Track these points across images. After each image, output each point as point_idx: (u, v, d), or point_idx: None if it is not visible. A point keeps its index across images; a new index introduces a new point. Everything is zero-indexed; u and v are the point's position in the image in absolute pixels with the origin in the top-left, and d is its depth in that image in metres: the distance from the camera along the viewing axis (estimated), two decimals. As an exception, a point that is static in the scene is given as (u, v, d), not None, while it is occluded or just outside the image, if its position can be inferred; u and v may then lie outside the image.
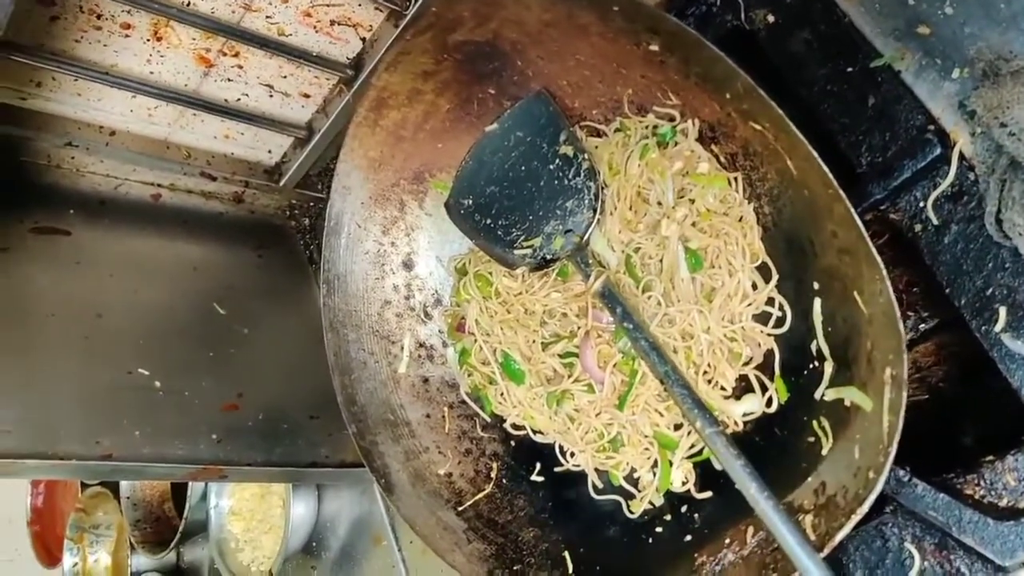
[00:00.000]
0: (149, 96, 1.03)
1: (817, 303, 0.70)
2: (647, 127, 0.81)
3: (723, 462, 0.66)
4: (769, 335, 0.75)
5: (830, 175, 0.62)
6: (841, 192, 0.61)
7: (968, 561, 0.65)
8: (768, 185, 0.74)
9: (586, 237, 0.81)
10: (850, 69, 0.74)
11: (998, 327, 0.65)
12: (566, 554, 0.80)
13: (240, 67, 1.07)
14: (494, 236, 0.88)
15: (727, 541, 0.71)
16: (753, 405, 0.76)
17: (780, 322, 0.74)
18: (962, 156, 0.67)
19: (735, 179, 0.76)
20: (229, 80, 1.08)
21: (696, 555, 0.72)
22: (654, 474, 0.81)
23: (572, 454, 0.86)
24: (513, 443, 0.91)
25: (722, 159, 0.77)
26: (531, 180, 0.86)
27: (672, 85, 0.77)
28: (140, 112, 1.07)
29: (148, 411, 0.95)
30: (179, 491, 1.40)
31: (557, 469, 0.87)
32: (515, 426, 0.90)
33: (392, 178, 0.92)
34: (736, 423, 0.76)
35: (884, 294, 0.60)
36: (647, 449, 0.81)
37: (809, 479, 0.67)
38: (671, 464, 0.79)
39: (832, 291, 0.68)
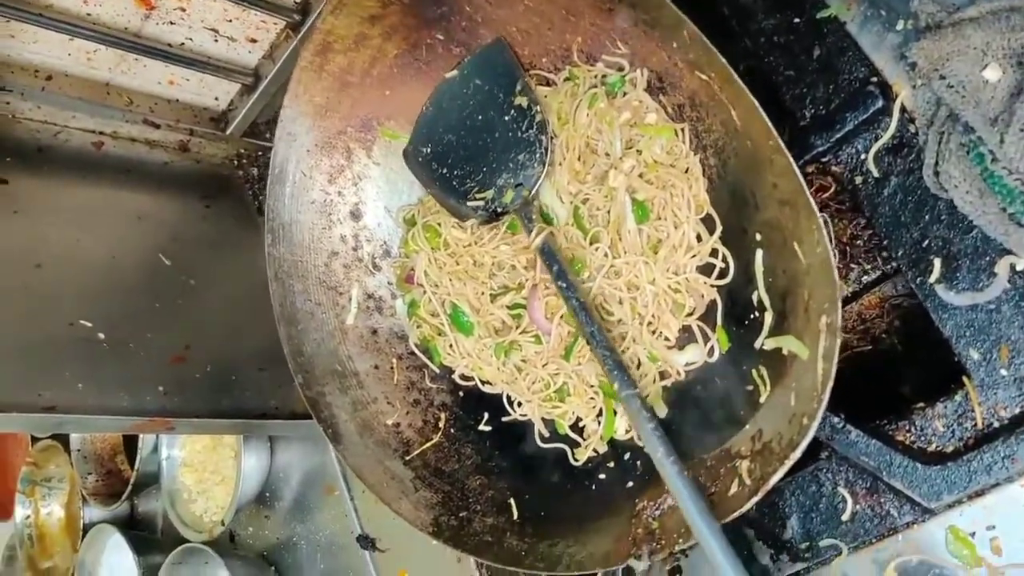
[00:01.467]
0: (87, 39, 0.99)
1: (759, 254, 0.71)
2: (596, 76, 0.80)
3: (634, 424, 0.67)
4: (712, 286, 0.76)
5: (771, 127, 0.62)
6: (781, 143, 0.61)
7: (897, 504, 0.68)
8: (713, 136, 0.74)
9: (533, 191, 0.81)
10: (797, 20, 0.74)
11: (932, 278, 0.67)
12: (511, 501, 0.81)
13: (183, 9, 1.03)
14: (449, 187, 0.87)
15: (666, 487, 0.72)
16: (695, 355, 0.77)
17: (723, 273, 0.75)
18: (903, 108, 0.68)
19: (682, 130, 0.76)
20: (172, 23, 1.05)
21: (637, 500, 0.74)
22: (599, 422, 0.82)
23: (519, 404, 0.87)
24: (461, 394, 0.91)
25: (669, 110, 0.77)
26: (487, 130, 0.85)
27: (621, 34, 0.76)
28: (78, 56, 1.03)
29: (92, 363, 0.94)
30: (130, 444, 1.39)
31: (504, 419, 0.88)
32: (464, 377, 0.91)
33: (339, 125, 0.90)
34: (679, 372, 0.77)
35: (821, 244, 0.60)
36: (592, 399, 0.82)
37: (747, 426, 0.68)
38: (615, 413, 0.81)
39: (773, 243, 0.69)
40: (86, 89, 1.06)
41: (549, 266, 0.77)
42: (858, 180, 0.71)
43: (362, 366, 0.91)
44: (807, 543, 0.71)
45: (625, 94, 0.78)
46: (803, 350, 0.64)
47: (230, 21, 1.06)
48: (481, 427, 0.88)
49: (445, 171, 0.88)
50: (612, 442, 0.81)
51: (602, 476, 0.80)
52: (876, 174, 0.70)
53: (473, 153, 0.86)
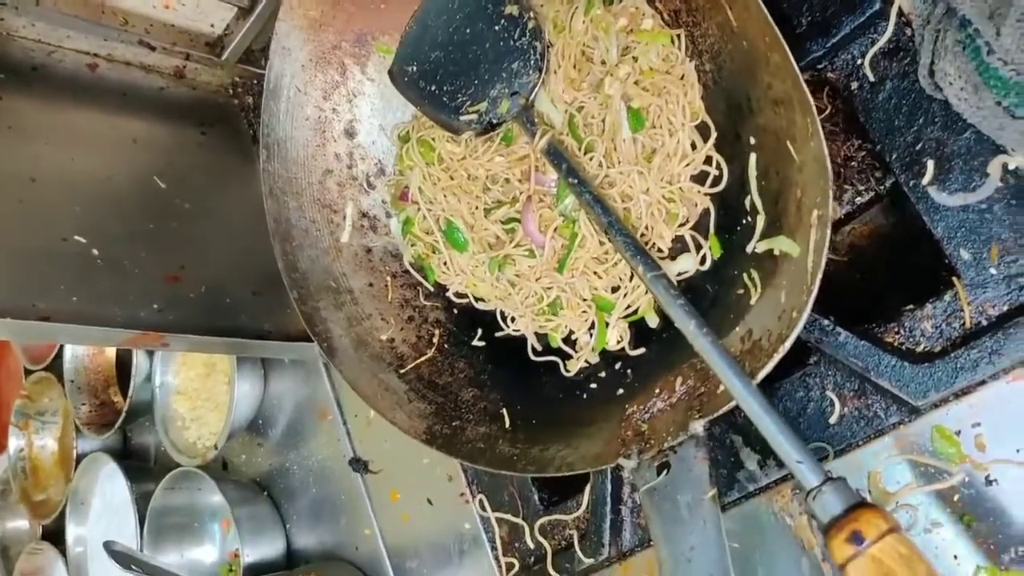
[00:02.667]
0: (81, -47, 0.98)
1: (752, 158, 0.71)
2: None
3: (664, 304, 0.67)
4: (706, 195, 0.76)
5: (770, 20, 0.61)
6: (779, 35, 0.61)
7: (884, 404, 0.68)
8: (709, 41, 0.73)
9: (532, 97, 0.81)
10: (795, -76, 0.74)
11: (925, 180, 0.67)
12: (504, 411, 0.81)
13: (179, -72, 1.02)
14: (440, 103, 0.86)
15: (656, 391, 0.73)
16: (688, 264, 0.77)
17: (717, 181, 0.75)
18: (900, 12, 0.68)
19: (678, 36, 0.75)
20: (167, -58, 1.04)
21: (627, 406, 0.74)
22: (590, 335, 0.82)
23: (512, 319, 0.88)
24: (455, 311, 0.92)
25: (665, 16, 0.77)
26: (476, 43, 0.85)
27: None
28: (72, -28, 1.02)
29: (86, 277, 0.93)
30: (123, 374, 1.39)
31: (498, 334, 0.88)
32: (458, 294, 0.91)
33: (333, 39, 0.90)
34: (671, 282, 0.78)
35: (815, 137, 0.60)
36: (584, 312, 0.82)
37: (737, 328, 0.69)
38: (607, 325, 0.81)
39: (766, 145, 0.69)
40: (80, 6, 1.05)
41: (557, 165, 0.77)
42: (854, 86, 0.71)
43: (357, 283, 0.91)
44: (794, 447, 0.72)
45: (621, 1, 0.78)
46: (794, 248, 0.64)
47: (226, -58, 1.05)
48: (475, 343, 0.89)
49: (434, 88, 0.87)
50: (603, 353, 0.82)
51: (593, 386, 0.81)
52: (872, 78, 0.70)
53: (463, 67, 0.86)
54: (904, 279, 0.87)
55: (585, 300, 0.82)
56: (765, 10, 0.62)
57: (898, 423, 0.67)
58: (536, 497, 0.89)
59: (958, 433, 0.65)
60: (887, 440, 0.68)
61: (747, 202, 0.72)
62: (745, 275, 0.70)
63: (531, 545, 0.89)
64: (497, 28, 0.83)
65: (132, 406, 1.24)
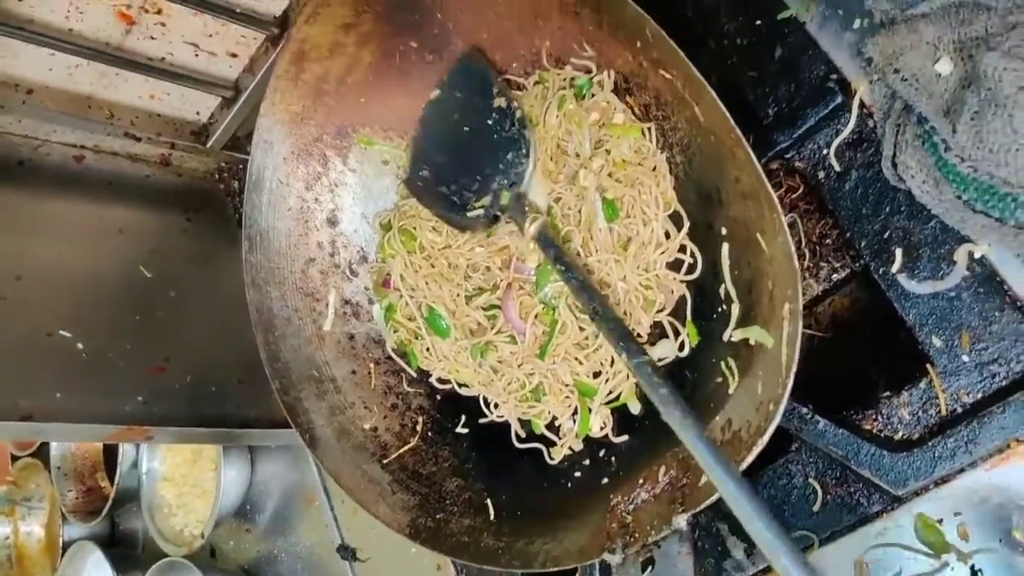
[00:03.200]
0: (69, 53, 1.00)
1: (725, 248, 0.72)
2: (565, 79, 0.82)
3: (648, 390, 0.65)
4: (681, 282, 0.77)
5: (730, 119, 0.63)
6: (741, 136, 0.63)
7: (866, 492, 0.68)
8: (679, 135, 0.75)
9: (524, 184, 0.81)
10: (759, 22, 0.76)
11: (895, 268, 0.68)
12: (488, 501, 0.81)
13: (163, 24, 1.05)
14: (450, 203, 0.86)
15: (640, 481, 0.73)
16: (667, 350, 0.78)
17: (691, 268, 0.76)
18: (862, 104, 0.70)
19: (649, 129, 0.77)
20: (152, 38, 1.06)
21: (611, 496, 0.74)
22: (574, 421, 0.82)
23: (496, 405, 0.88)
24: (439, 397, 0.92)
25: (636, 110, 0.78)
26: (475, 139, 0.86)
27: (587, 36, 0.78)
28: (60, 70, 1.04)
29: (71, 373, 0.94)
30: (110, 460, 1.38)
31: (481, 421, 0.88)
32: (441, 380, 0.91)
33: (315, 133, 0.91)
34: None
35: (781, 232, 0.61)
36: (567, 397, 0.83)
37: (717, 417, 0.69)
38: (590, 411, 0.81)
39: (738, 236, 0.70)
40: (68, 103, 1.07)
41: (547, 250, 0.76)
42: (820, 175, 0.73)
43: (339, 371, 0.91)
44: (779, 536, 0.72)
45: (593, 95, 0.80)
46: (768, 339, 0.65)
47: (210, 36, 1.08)
48: (458, 429, 0.89)
49: (444, 189, 0.88)
50: (587, 440, 0.82)
51: (577, 474, 0.81)
52: (838, 168, 0.72)
53: (466, 165, 0.87)
54: (889, 349, 0.87)
55: (568, 386, 0.82)
56: (724, 109, 0.63)
57: (881, 511, 0.67)
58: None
59: (940, 522, 0.65)
60: (871, 528, 0.68)
61: (721, 290, 0.73)
62: (723, 363, 0.71)
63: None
64: (490, 122, 0.84)
65: (119, 493, 1.23)
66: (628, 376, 0.80)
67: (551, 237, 0.78)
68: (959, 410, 0.64)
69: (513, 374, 0.85)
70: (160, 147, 1.16)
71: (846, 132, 0.70)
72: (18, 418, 0.87)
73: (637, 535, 0.68)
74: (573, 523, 0.75)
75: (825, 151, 0.72)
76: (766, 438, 0.60)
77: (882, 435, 0.68)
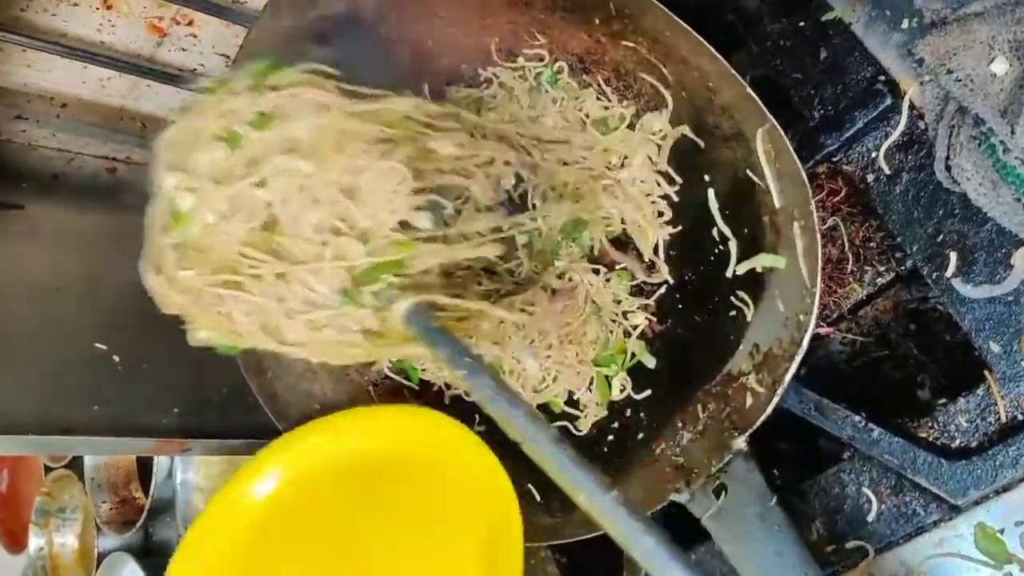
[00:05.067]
0: (101, 66, 1.00)
1: (710, 192, 0.75)
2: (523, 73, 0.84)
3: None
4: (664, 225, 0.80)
5: (706, 44, 0.67)
6: (716, 53, 0.67)
7: (923, 501, 0.67)
8: (644, 100, 0.79)
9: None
10: (802, 23, 0.75)
11: (949, 272, 0.67)
12: (529, 485, 0.80)
13: (195, 36, 1.05)
14: None
15: (679, 424, 0.74)
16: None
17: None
18: (912, 105, 0.68)
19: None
20: (184, 50, 1.06)
21: (653, 447, 0.76)
22: (591, 391, 0.82)
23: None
24: (447, 402, 0.91)
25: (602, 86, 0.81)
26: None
27: (539, 25, 0.81)
28: (92, 83, 1.04)
29: (107, 386, 0.94)
30: (144, 471, 1.38)
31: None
32: (448, 384, 0.90)
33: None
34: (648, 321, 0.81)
35: (783, 153, 0.65)
36: (579, 373, 0.82)
37: (741, 346, 0.72)
38: (607, 378, 0.82)
39: (722, 179, 0.74)
40: (100, 115, 1.07)
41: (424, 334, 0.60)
42: (870, 178, 0.72)
43: (340, 398, 0.91)
44: (832, 546, 0.70)
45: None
46: (779, 260, 0.68)
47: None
48: (475, 428, 0.87)
49: None
50: (611, 404, 0.82)
51: (610, 437, 0.81)
52: (887, 171, 0.70)
53: None
54: (933, 355, 0.86)
55: (582, 361, 0.82)
56: (700, 38, 0.67)
57: (938, 521, 0.66)
58: (568, 593, 0.88)
59: (1002, 531, 0.63)
60: (928, 538, 0.66)
61: (715, 233, 0.75)
62: (732, 298, 0.73)
63: (566, 646, 0.86)
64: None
65: (154, 503, 1.23)
66: (626, 333, 0.81)
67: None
68: (1020, 417, 0.63)
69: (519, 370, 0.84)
70: (191, 158, 1.16)
71: (896, 134, 0.69)
72: (58, 432, 0.87)
73: (696, 471, 0.69)
74: (622, 483, 0.75)
75: (874, 154, 0.71)
76: (804, 346, 0.64)
77: (939, 443, 0.67)
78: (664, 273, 0.80)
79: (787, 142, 0.65)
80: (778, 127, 0.65)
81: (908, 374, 0.86)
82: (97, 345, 0.95)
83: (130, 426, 0.92)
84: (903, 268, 0.80)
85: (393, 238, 0.59)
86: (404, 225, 0.60)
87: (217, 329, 0.62)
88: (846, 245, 0.82)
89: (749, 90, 0.65)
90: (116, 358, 0.96)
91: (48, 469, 1.46)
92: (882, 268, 0.83)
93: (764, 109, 0.65)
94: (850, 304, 0.82)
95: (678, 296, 0.80)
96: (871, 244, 0.83)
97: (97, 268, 1.02)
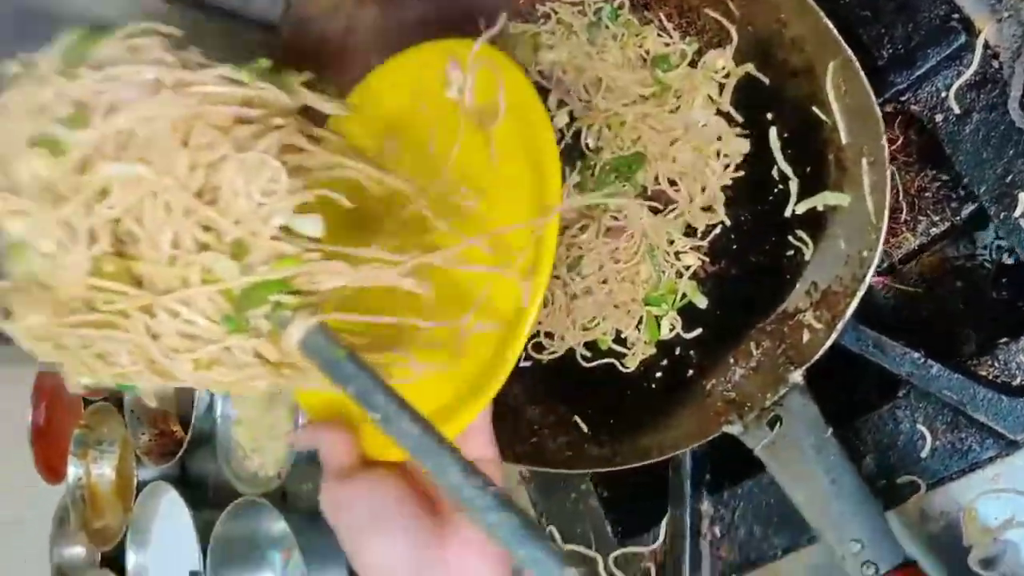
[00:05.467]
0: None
1: (772, 131, 0.74)
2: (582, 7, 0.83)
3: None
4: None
5: None
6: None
7: (979, 438, 0.67)
8: (708, 37, 0.79)
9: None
10: (873, -41, 0.74)
11: (1017, 212, 0.67)
12: (576, 418, 0.82)
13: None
14: None
15: (731, 361, 0.75)
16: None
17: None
18: (987, 44, 0.68)
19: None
20: None
21: (704, 383, 0.76)
22: (639, 330, 0.82)
23: (553, 337, 0.86)
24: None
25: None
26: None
27: None
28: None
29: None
30: (182, 406, 1.40)
31: (543, 356, 0.87)
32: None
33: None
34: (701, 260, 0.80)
35: (857, 88, 0.65)
36: (629, 312, 0.83)
37: (798, 285, 0.72)
38: (656, 317, 0.82)
39: (785, 117, 0.74)
40: None
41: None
42: (938, 118, 0.71)
43: None
44: (884, 481, 0.71)
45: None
46: (843, 198, 0.68)
47: None
48: (520, 365, 0.88)
49: None
50: (659, 342, 0.82)
51: (659, 375, 0.81)
52: (957, 111, 0.70)
53: None
54: (979, 312, 0.86)
55: (633, 300, 0.83)
56: None
57: (995, 457, 0.67)
58: (610, 529, 0.89)
59: (1059, 467, 0.64)
60: (984, 474, 0.67)
61: (774, 172, 0.75)
62: (791, 237, 0.73)
63: (605, 577, 0.88)
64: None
65: (193, 435, 1.25)
66: (679, 273, 0.81)
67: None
68: (1083, 355, 0.63)
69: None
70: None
71: (968, 73, 0.69)
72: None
73: (750, 404, 0.70)
74: (672, 418, 0.77)
75: (944, 93, 0.70)
76: (867, 282, 0.65)
77: (999, 380, 0.67)
78: (720, 214, 0.80)
79: (861, 75, 0.65)
80: (854, 59, 0.65)
81: (952, 329, 0.87)
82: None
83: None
84: (958, 218, 0.80)
85: (274, 249, 0.46)
86: (288, 231, 0.47)
87: (98, 373, 0.48)
88: (901, 194, 0.82)
89: (826, 20, 0.65)
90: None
91: (87, 403, 1.48)
92: (936, 218, 0.83)
93: (840, 40, 0.65)
94: (901, 254, 0.82)
95: (732, 236, 0.80)
96: (926, 194, 0.83)
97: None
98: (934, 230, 0.82)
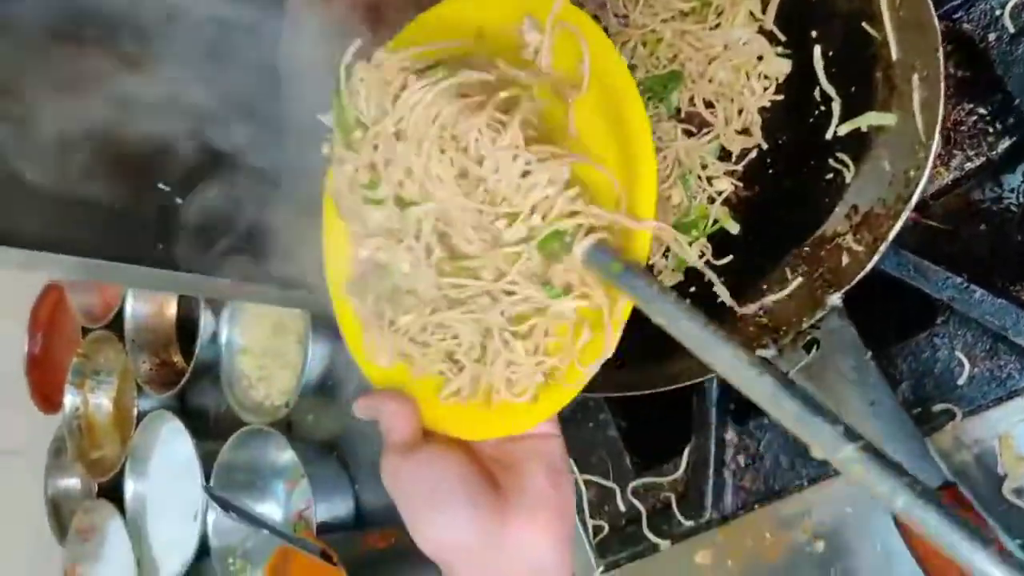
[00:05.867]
0: None
1: (816, 50, 0.72)
2: None
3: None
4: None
5: None
6: None
7: (1019, 365, 0.66)
8: None
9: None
10: None
11: (1065, 138, 0.65)
12: None
13: None
14: None
15: (763, 288, 0.73)
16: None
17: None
18: (1046, -40, 0.66)
19: None
20: None
21: (734, 309, 0.74)
22: (666, 257, 0.80)
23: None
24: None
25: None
26: None
27: None
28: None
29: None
30: (183, 334, 1.38)
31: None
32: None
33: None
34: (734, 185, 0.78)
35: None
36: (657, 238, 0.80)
37: (837, 208, 0.70)
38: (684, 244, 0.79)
39: (831, 33, 0.71)
40: None
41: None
42: (991, 37, 0.69)
43: None
44: (919, 408, 0.70)
45: None
46: (889, 118, 0.66)
47: None
48: None
49: None
50: (688, 270, 0.80)
51: (687, 302, 0.79)
52: (1011, 29, 0.68)
53: None
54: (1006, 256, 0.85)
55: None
56: None
57: (1033, 384, 0.66)
58: (628, 460, 0.88)
59: (1101, 395, 0.63)
60: (1021, 403, 0.66)
61: (816, 93, 0.72)
62: (830, 160, 0.71)
63: (623, 508, 0.87)
64: None
65: (197, 364, 1.23)
66: (711, 199, 0.79)
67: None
68: None
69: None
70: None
71: (1025, -9, 0.67)
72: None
73: (786, 328, 0.69)
74: None
75: (999, 11, 0.68)
76: (914, 201, 0.63)
77: (1039, 309, 0.66)
78: (757, 138, 0.77)
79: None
80: None
81: (978, 271, 0.85)
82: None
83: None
84: (995, 153, 0.78)
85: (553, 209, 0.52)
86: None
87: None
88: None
89: (886, -72, 0.62)
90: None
91: (86, 331, 1.46)
92: (972, 152, 0.81)
93: (898, -52, 0.62)
94: (933, 189, 0.80)
95: (768, 161, 0.77)
96: (962, 127, 0.81)
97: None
98: (968, 165, 0.80)
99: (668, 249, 0.81)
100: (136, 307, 1.37)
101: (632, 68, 0.82)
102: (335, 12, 0.85)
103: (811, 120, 0.73)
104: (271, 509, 1.20)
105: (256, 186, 0.92)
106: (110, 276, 0.93)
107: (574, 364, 0.55)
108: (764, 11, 0.76)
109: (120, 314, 1.38)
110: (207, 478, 1.16)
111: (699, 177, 0.80)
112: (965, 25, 0.70)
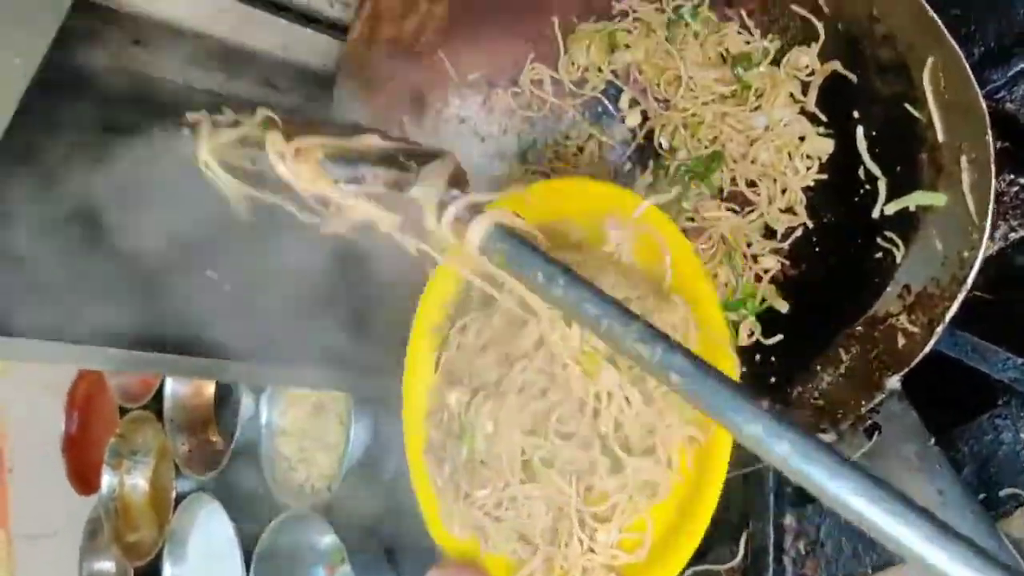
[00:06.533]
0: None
1: (859, 130, 0.72)
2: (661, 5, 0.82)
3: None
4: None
5: None
6: None
7: (1088, 449, 0.65)
8: (791, 34, 0.77)
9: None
10: (962, -43, 0.73)
11: (1116, 215, 0.64)
12: None
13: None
14: None
15: (817, 368, 0.72)
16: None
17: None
18: (1086, 40, 0.66)
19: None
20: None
21: (789, 390, 0.73)
22: None
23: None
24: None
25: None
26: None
27: None
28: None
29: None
30: (220, 414, 1.38)
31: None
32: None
33: (387, 101, 0.87)
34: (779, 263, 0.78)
35: (959, 79, 0.62)
36: None
37: (888, 288, 0.69)
38: (735, 324, 0.79)
39: (874, 115, 0.71)
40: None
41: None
42: (1035, 116, 0.69)
43: None
44: (984, 494, 0.68)
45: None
46: (938, 198, 0.65)
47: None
48: None
49: None
50: (739, 350, 0.78)
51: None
52: (1057, 109, 0.68)
53: None
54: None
55: None
56: None
57: (1106, 468, 0.64)
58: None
59: None
60: (1094, 484, 0.64)
61: (860, 172, 0.72)
62: (879, 239, 0.70)
63: (680, 596, 0.84)
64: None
65: (237, 446, 1.22)
66: (758, 276, 0.79)
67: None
68: None
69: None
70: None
71: (1069, 69, 0.67)
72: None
73: (843, 411, 0.67)
74: None
75: (1043, 91, 0.68)
76: (969, 283, 0.62)
77: (1106, 388, 0.64)
78: (802, 216, 0.78)
79: (967, 69, 0.62)
80: (959, 52, 0.62)
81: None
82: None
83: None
84: (1040, 225, 0.78)
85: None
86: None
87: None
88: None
89: (931, 13, 0.62)
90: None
91: (123, 411, 1.46)
92: (1015, 223, 0.81)
93: (946, 33, 0.62)
94: (979, 258, 0.80)
95: (815, 239, 0.78)
96: (1004, 198, 0.81)
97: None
98: (1012, 235, 0.80)
99: None
100: (175, 387, 1.38)
101: (672, 150, 0.83)
102: (380, 102, 0.87)
103: (856, 199, 0.73)
104: (312, 595, 1.18)
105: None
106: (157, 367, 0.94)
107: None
108: (805, 93, 0.77)
109: (159, 394, 1.38)
110: (247, 564, 1.14)
111: (744, 256, 0.80)
112: (1008, 105, 0.71)
